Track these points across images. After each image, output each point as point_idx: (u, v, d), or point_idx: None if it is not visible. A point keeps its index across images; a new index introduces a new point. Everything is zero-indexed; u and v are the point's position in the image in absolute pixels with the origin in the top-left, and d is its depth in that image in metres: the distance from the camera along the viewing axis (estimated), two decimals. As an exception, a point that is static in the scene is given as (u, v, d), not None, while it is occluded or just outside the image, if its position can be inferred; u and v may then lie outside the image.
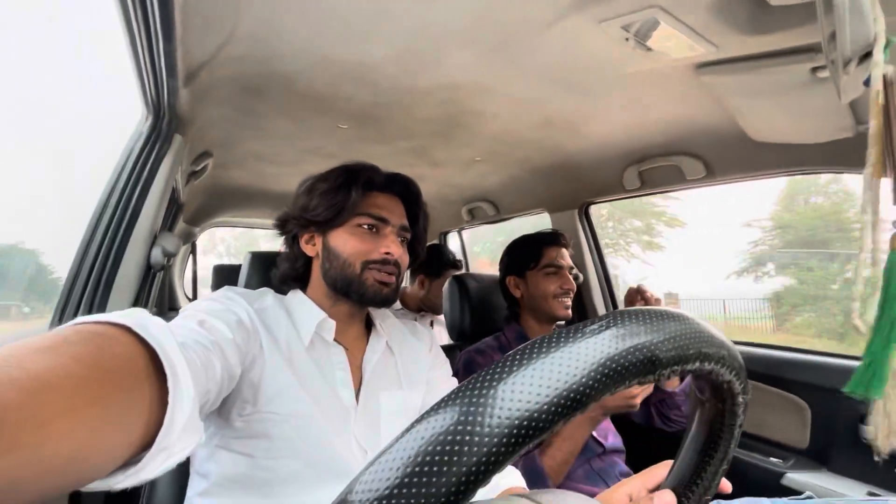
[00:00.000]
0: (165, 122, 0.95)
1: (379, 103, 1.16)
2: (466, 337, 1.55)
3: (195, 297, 2.42)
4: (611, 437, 1.23)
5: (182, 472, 0.74)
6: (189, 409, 0.39)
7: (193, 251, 2.32)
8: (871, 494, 1.06)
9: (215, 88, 0.98)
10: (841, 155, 1.07)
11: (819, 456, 1.20)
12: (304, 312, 0.75)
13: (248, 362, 0.65)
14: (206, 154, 1.47)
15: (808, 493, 1.11)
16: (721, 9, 0.65)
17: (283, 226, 0.81)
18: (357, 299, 0.75)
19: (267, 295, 0.77)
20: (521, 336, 1.31)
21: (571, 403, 0.21)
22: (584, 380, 0.22)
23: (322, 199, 0.75)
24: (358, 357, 0.78)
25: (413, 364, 0.83)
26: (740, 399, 0.32)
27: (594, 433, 1.17)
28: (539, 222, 2.05)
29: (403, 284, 3.21)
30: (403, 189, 0.82)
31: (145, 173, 0.94)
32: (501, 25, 0.80)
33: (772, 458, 1.25)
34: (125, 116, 0.96)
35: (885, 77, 0.48)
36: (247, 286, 0.99)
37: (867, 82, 0.54)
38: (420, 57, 0.92)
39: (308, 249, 0.79)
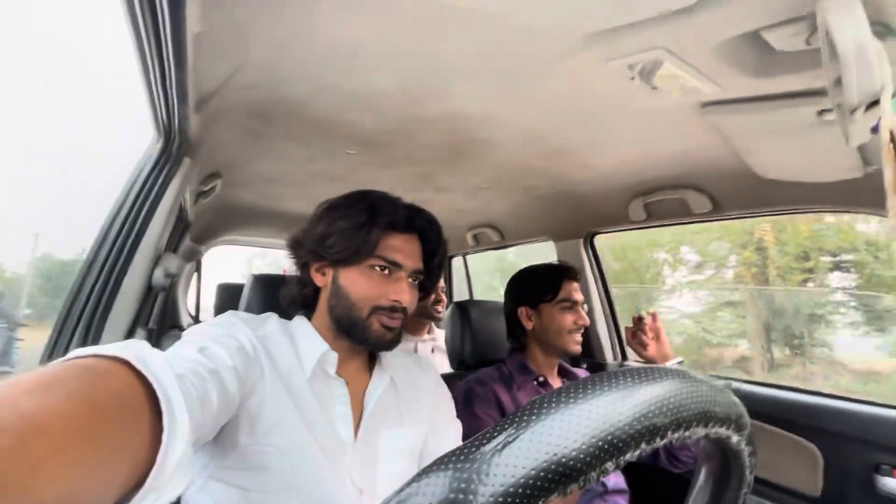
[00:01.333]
0: (175, 146, 0.96)
1: (385, 130, 1.18)
2: (467, 366, 1.52)
3: (198, 314, 2.42)
4: (613, 477, 1.18)
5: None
6: (182, 448, 0.38)
7: (199, 269, 2.33)
8: (888, 551, 1.01)
9: (225, 113, 1.00)
10: (850, 194, 1.06)
11: (833, 506, 1.14)
12: (308, 342, 0.73)
13: (247, 390, 0.64)
14: (216, 175, 1.49)
15: (821, 547, 1.06)
16: (726, 52, 0.66)
17: (294, 249, 0.79)
18: (359, 342, 0.73)
19: (270, 320, 0.76)
20: (523, 367, 1.28)
21: (560, 477, 0.20)
22: (576, 452, 0.20)
23: (340, 238, 0.72)
24: (359, 391, 0.76)
25: (416, 401, 0.81)
26: (747, 462, 0.31)
27: None
28: (541, 248, 2.04)
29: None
30: (424, 226, 0.79)
31: (152, 195, 0.95)
32: (509, 60, 0.81)
33: (782, 506, 1.20)
34: (138, 137, 0.98)
35: (892, 131, 0.47)
36: (248, 308, 0.98)
37: (875, 129, 0.54)
38: (427, 88, 0.94)
39: (318, 279, 0.77)
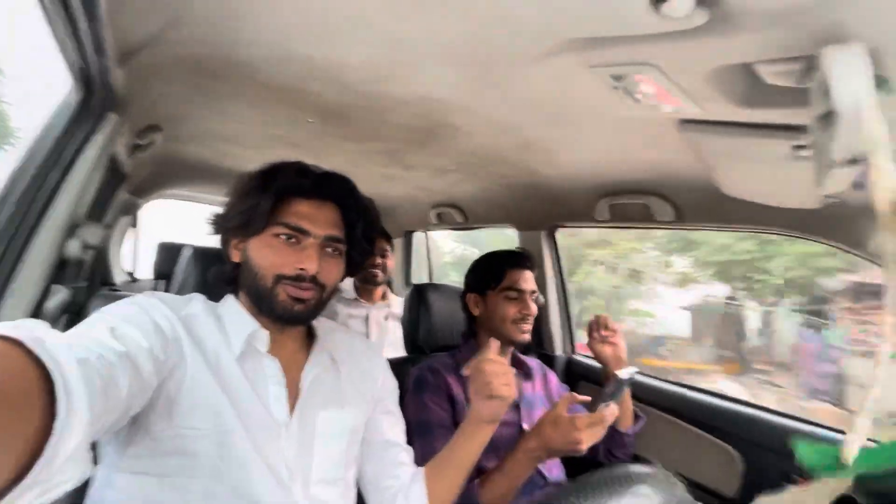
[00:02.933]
0: (98, 100, 0.83)
1: (350, 104, 1.08)
2: (420, 350, 1.50)
3: (134, 272, 2.24)
4: (555, 471, 1.21)
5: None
6: (77, 439, 0.35)
7: (135, 222, 2.14)
8: (786, 552, 1.10)
9: (161, 68, 0.87)
10: (805, 222, 1.09)
11: (745, 507, 1.23)
12: (235, 321, 0.70)
13: (165, 373, 0.59)
14: (154, 128, 1.33)
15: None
16: (716, 79, 0.62)
17: (211, 226, 0.74)
18: (268, 314, 0.69)
19: (195, 301, 0.71)
20: (476, 354, 1.27)
21: None
22: None
23: (235, 205, 0.69)
24: (295, 371, 0.72)
25: (360, 383, 0.79)
26: None
27: (538, 465, 1.16)
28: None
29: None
30: (337, 192, 0.73)
31: (67, 154, 0.82)
32: (486, 51, 0.74)
33: (699, 504, 1.28)
34: (55, 85, 0.84)
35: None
36: (182, 284, 0.91)
37: (858, 185, 0.52)
38: (396, 67, 0.85)
39: (234, 255, 0.73)
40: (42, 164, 0.81)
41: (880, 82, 0.48)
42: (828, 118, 0.51)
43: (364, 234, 0.76)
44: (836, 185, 0.55)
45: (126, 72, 0.78)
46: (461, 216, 2.13)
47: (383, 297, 2.10)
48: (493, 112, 1.02)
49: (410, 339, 1.50)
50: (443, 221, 2.30)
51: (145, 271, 2.25)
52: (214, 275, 0.77)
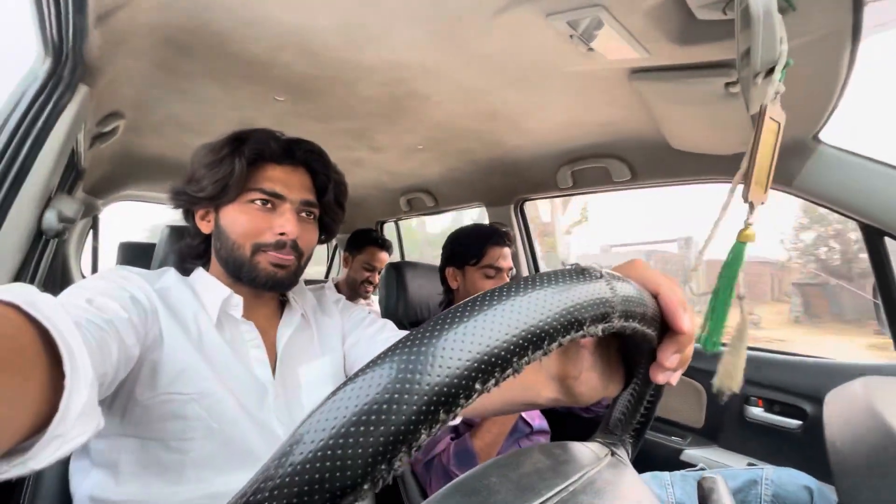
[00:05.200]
0: (68, 68, 0.83)
1: (320, 76, 1.11)
2: (401, 325, 1.53)
3: (95, 277, 2.15)
4: (538, 420, 1.28)
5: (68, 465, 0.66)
6: (87, 394, 0.35)
7: (95, 226, 2.05)
8: (749, 464, 1.22)
9: (132, 36, 0.88)
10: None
11: (711, 434, 1.35)
12: (209, 290, 0.70)
13: (148, 342, 0.60)
14: (116, 115, 1.31)
15: (700, 466, 1.25)
16: (656, 16, 0.71)
17: (174, 199, 0.72)
18: (249, 283, 0.69)
19: (168, 273, 0.71)
20: None
21: (496, 363, 0.21)
22: (506, 343, 0.21)
23: (206, 172, 0.67)
24: (272, 334, 0.74)
25: (331, 331, 0.81)
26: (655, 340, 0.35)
27: (523, 414, 1.22)
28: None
29: (333, 275, 3.13)
30: (307, 157, 0.73)
31: (39, 124, 0.81)
32: (451, 6, 0.80)
33: (673, 437, 1.39)
34: (19, 52, 0.83)
35: (762, 106, 0.54)
36: (162, 264, 0.90)
37: (761, 107, 0.62)
38: (365, 30, 0.89)
39: (203, 226, 0.72)
40: (13, 135, 0.80)
41: (787, 2, 0.58)
42: (749, 52, 0.61)
43: (336, 199, 0.77)
44: (758, 99, 0.65)
45: (100, 36, 0.78)
46: (431, 200, 2.18)
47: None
48: (459, 76, 1.08)
49: (389, 316, 1.54)
50: (413, 208, 2.34)
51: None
52: (180, 253, 0.76)
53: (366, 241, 2.03)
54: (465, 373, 0.20)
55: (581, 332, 0.25)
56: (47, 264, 1.62)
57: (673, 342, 0.33)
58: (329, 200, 0.76)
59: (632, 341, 0.39)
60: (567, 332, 0.24)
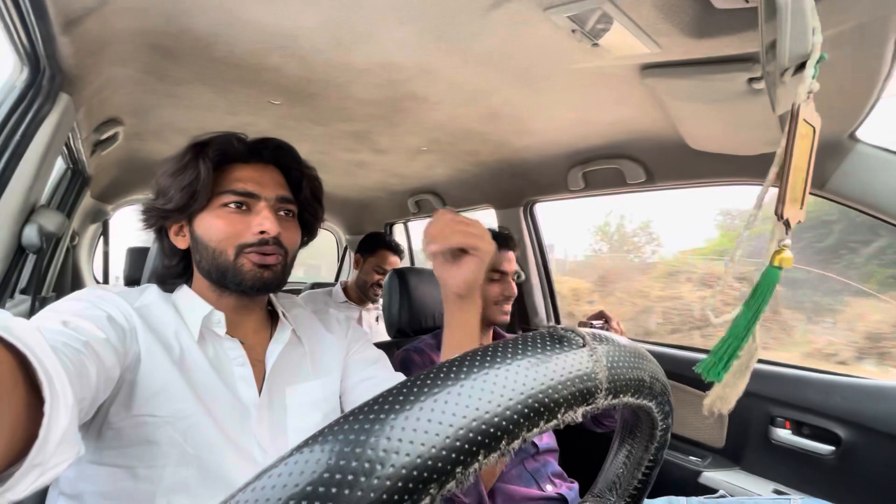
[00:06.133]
0: (46, 77, 0.80)
1: (312, 79, 1.06)
2: (404, 333, 1.49)
3: (106, 282, 2.17)
4: (546, 438, 1.22)
5: (41, 495, 0.63)
6: (67, 420, 0.35)
7: (105, 231, 2.07)
8: (776, 492, 1.12)
9: (112, 44, 0.84)
10: (767, 168, 1.11)
11: (733, 455, 1.26)
12: (190, 307, 0.67)
13: (127, 362, 0.57)
14: (114, 121, 1.29)
15: (721, 492, 1.16)
16: (667, 7, 0.63)
17: (145, 219, 0.69)
18: (236, 289, 0.66)
19: (149, 290, 0.68)
20: None
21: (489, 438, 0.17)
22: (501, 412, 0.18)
23: (172, 182, 0.64)
24: (259, 351, 0.70)
25: (326, 354, 0.76)
26: (661, 425, 0.30)
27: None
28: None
29: (343, 277, 3.12)
30: (276, 155, 0.70)
31: (17, 136, 0.79)
32: (441, 5, 0.74)
33: (691, 458, 1.30)
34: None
35: (794, 105, 0.46)
36: (153, 272, 0.88)
37: (793, 106, 0.54)
38: (353, 31, 0.84)
39: (179, 242, 0.69)
40: (-10, 148, 0.78)
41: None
42: (775, 44, 0.53)
43: (313, 194, 0.74)
44: (786, 99, 0.56)
45: (72, 44, 0.75)
46: (439, 202, 2.13)
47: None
48: (457, 77, 1.02)
49: (393, 323, 1.49)
50: (422, 210, 2.29)
51: (116, 280, 2.19)
52: (156, 276, 0.72)
53: (378, 244, 2.02)
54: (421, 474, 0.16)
55: (554, 423, 0.20)
56: (56, 271, 1.63)
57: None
58: (306, 196, 0.73)
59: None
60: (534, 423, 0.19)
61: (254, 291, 0.67)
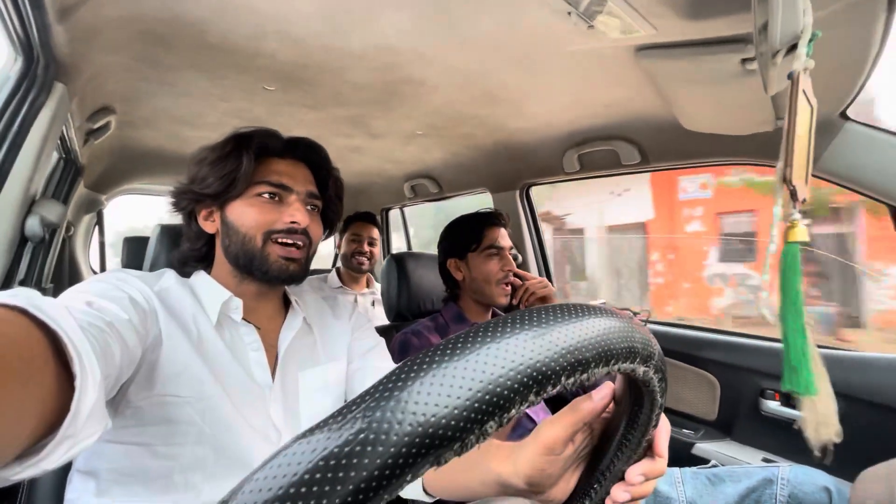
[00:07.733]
0: (41, 67, 0.79)
1: (307, 64, 1.05)
2: (403, 317, 1.51)
3: (104, 271, 2.17)
4: (542, 413, 1.26)
5: (64, 471, 0.65)
6: (95, 394, 0.36)
7: (100, 221, 2.06)
8: (765, 460, 1.17)
9: (104, 30, 0.83)
10: (762, 148, 1.13)
11: (725, 427, 1.30)
12: (209, 293, 0.69)
13: (148, 343, 0.60)
14: (107, 110, 1.28)
15: (713, 462, 1.21)
16: (662, -13, 0.63)
17: (176, 201, 0.73)
18: (261, 277, 0.69)
19: (167, 275, 0.71)
20: (460, 317, 1.29)
21: (490, 408, 0.20)
22: (508, 382, 0.20)
23: (212, 170, 0.68)
24: (273, 336, 0.73)
25: (333, 340, 0.80)
26: (659, 400, 0.32)
27: (528, 411, 1.19)
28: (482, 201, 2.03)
29: (339, 264, 3.14)
30: (308, 154, 0.76)
31: (15, 127, 0.78)
32: None
33: (684, 430, 1.35)
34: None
35: (792, 74, 0.47)
36: (154, 262, 0.89)
37: (791, 76, 0.55)
38: (350, 15, 0.84)
39: (207, 226, 0.72)
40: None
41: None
42: (767, 25, 0.54)
43: (336, 194, 0.79)
44: (778, 79, 0.58)
45: (66, 32, 0.74)
46: (435, 186, 2.13)
47: (368, 283, 2.16)
48: (453, 60, 1.01)
49: (391, 307, 1.51)
50: (418, 194, 2.29)
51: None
52: (181, 257, 0.75)
53: (349, 219, 2.09)
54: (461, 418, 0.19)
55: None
56: (53, 262, 1.63)
57: (647, 462, 0.35)
58: (331, 195, 0.78)
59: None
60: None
61: (278, 282, 0.71)
